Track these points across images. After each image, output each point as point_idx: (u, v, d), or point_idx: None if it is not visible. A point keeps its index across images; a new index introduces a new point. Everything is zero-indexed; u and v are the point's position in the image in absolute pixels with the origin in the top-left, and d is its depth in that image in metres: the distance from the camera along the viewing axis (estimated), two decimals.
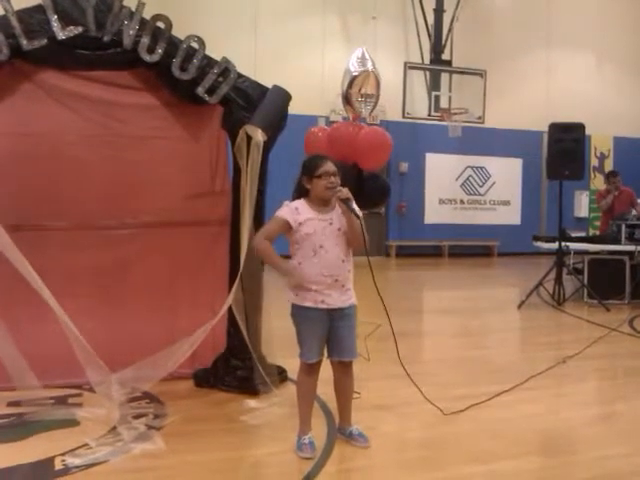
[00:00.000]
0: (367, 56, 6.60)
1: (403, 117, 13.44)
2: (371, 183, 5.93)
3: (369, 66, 6.72)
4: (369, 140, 6.35)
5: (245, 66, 4.50)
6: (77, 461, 3.08)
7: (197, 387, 4.27)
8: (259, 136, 3.92)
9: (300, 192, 3.26)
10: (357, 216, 3.15)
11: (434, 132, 14.65)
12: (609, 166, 16.06)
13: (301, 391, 3.33)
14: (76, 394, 4.04)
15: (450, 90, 13.88)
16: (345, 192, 3.13)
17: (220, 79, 4.06)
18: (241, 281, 3.94)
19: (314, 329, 3.20)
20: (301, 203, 3.24)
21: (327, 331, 3.22)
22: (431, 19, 14.43)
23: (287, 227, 3.19)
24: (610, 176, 9.68)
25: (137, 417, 3.65)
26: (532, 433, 3.64)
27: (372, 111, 7.24)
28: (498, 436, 3.55)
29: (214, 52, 4.10)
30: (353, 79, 6.77)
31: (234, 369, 4.18)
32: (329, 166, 3.18)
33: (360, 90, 6.73)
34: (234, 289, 3.89)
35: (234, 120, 4.06)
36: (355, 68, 6.82)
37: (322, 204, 3.22)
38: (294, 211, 3.20)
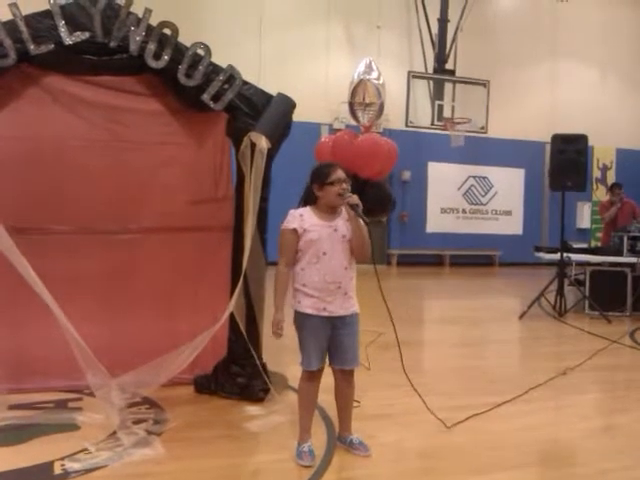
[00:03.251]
0: (373, 66, 6.64)
1: (406, 126, 13.48)
2: (375, 191, 5.95)
3: (372, 75, 6.77)
4: (366, 148, 6.40)
5: (250, 73, 4.52)
6: (76, 466, 3.08)
7: (197, 393, 4.27)
8: (263, 143, 3.94)
9: (307, 200, 3.28)
10: (365, 222, 3.17)
11: (437, 141, 14.69)
12: (611, 178, 16.09)
13: (302, 399, 3.33)
14: (76, 398, 4.04)
15: (453, 100, 13.92)
16: (355, 198, 3.15)
17: (225, 86, 4.08)
18: (243, 287, 3.95)
19: (316, 336, 3.20)
20: (305, 210, 3.25)
21: (329, 339, 3.22)
22: (435, 29, 14.51)
23: (297, 235, 3.20)
24: (614, 188, 9.72)
25: (137, 422, 3.64)
26: (532, 444, 3.62)
27: (375, 119, 7.28)
28: (498, 447, 3.54)
29: (219, 59, 4.13)
30: (354, 89, 6.83)
31: (234, 376, 4.17)
32: (340, 173, 3.21)
33: (362, 99, 6.77)
34: (236, 295, 3.90)
35: (238, 127, 4.08)
36: (357, 78, 6.88)
37: (329, 211, 3.24)
38: (298, 218, 3.22)
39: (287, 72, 13.03)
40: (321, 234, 3.18)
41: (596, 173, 16.73)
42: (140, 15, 3.96)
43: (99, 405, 3.75)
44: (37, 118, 4.21)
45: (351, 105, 7.09)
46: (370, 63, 6.72)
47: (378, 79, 6.83)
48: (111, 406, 3.70)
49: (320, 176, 3.23)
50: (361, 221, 3.17)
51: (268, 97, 4.17)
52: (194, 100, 4.13)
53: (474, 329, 7.54)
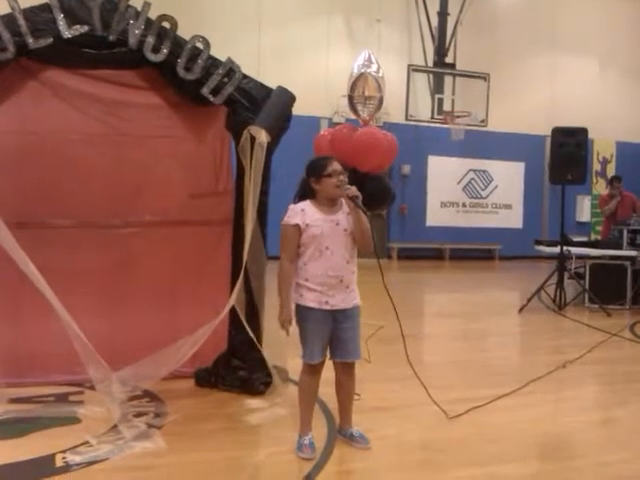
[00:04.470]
0: (373, 59, 6.62)
1: (406, 119, 13.46)
2: (374, 184, 5.95)
3: (372, 68, 6.75)
4: (365, 141, 6.40)
5: (249, 66, 4.51)
6: (77, 458, 3.09)
7: (198, 386, 4.28)
8: (263, 137, 3.93)
9: (305, 194, 3.27)
10: (365, 212, 3.16)
11: (437, 135, 14.67)
12: (611, 171, 16.07)
13: (302, 392, 3.34)
14: (77, 392, 4.05)
15: (453, 93, 13.89)
16: (354, 190, 3.15)
17: (225, 80, 4.07)
18: (243, 281, 3.95)
19: (317, 330, 3.20)
20: (307, 204, 3.24)
21: (330, 332, 3.23)
22: (435, 22, 14.47)
23: (299, 231, 3.19)
24: (614, 181, 9.71)
25: (138, 415, 3.66)
26: (532, 437, 3.64)
27: (375, 113, 7.27)
28: (498, 440, 3.55)
29: (218, 52, 4.12)
30: (354, 82, 6.82)
31: (235, 369, 4.19)
32: (336, 165, 3.21)
33: (362, 92, 6.77)
34: (236, 288, 3.90)
35: (238, 120, 4.07)
36: (357, 71, 6.87)
37: (329, 204, 3.23)
38: (300, 213, 3.20)
39: (287, 65, 13.00)
40: (324, 229, 3.17)
41: (596, 166, 16.71)
42: (139, 8, 3.95)
43: (100, 398, 3.76)
44: (36, 112, 4.20)
45: (351, 99, 7.07)
46: (369, 56, 6.70)
47: (378, 72, 6.82)
48: (112, 399, 3.72)
49: (316, 169, 3.22)
50: (361, 212, 3.16)
51: (268, 90, 4.17)
52: (193, 94, 4.12)
53: (474, 322, 7.56)
